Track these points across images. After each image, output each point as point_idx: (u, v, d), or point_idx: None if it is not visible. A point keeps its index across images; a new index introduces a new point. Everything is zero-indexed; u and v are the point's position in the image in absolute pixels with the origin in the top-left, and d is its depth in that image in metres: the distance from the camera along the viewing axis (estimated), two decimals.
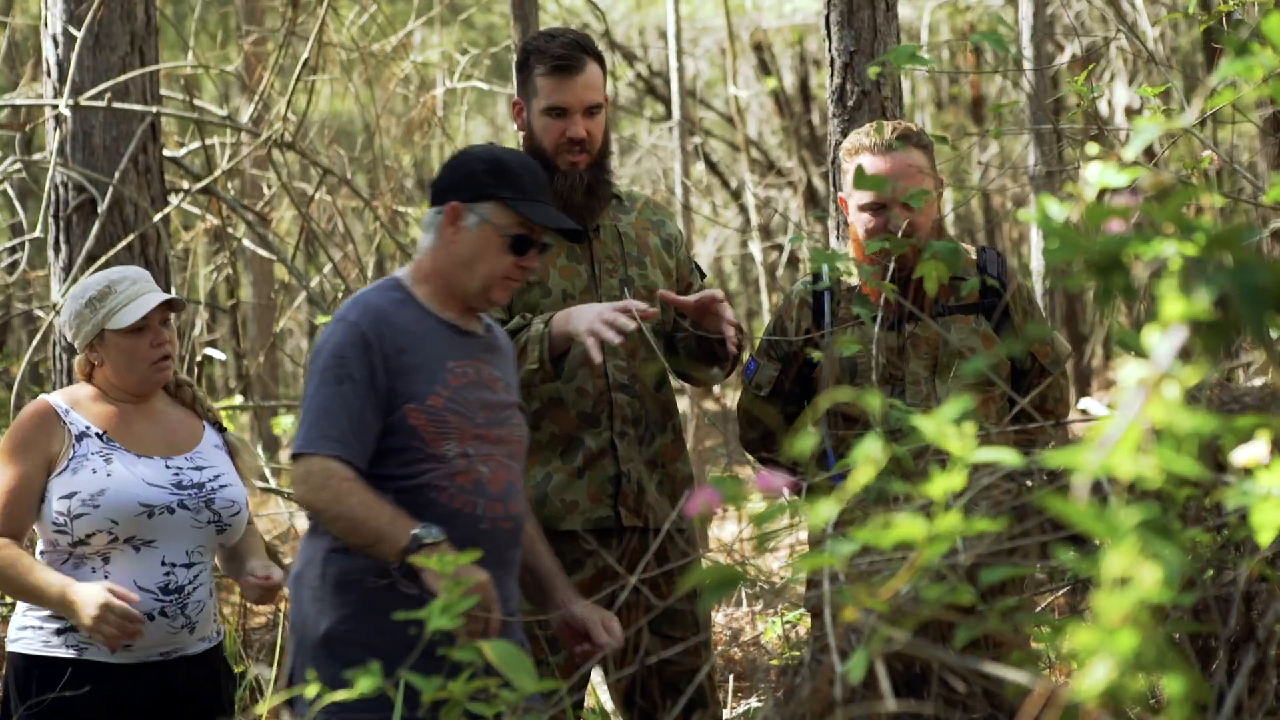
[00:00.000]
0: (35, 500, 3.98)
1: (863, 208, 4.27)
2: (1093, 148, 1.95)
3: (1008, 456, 1.62)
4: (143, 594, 3.91)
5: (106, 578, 3.92)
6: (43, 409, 4.06)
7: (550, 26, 4.91)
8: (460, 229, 3.63)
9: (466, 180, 3.65)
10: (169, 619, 3.98)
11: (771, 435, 4.42)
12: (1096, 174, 1.69)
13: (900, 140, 4.24)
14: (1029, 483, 2.46)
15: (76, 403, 4.09)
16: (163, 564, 4.00)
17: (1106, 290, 1.56)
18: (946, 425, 1.57)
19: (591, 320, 4.00)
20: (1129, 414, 1.36)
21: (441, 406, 3.58)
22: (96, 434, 4.04)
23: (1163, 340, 1.46)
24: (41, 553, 4.04)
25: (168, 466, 4.07)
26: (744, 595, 7.69)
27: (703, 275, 4.65)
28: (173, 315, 4.16)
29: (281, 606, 6.55)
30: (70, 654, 3.95)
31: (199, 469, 4.13)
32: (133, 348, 4.07)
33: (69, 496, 3.94)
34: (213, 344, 9.30)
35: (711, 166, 16.84)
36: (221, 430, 4.31)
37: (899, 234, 4.11)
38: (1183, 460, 1.35)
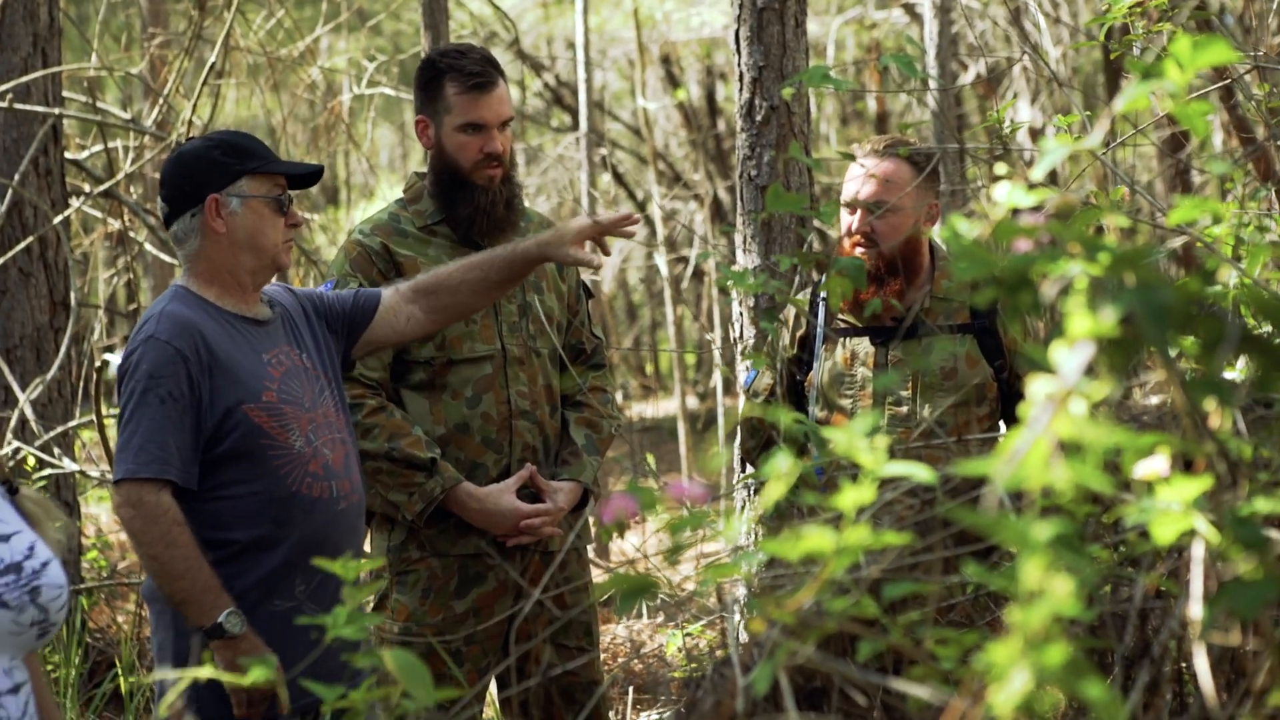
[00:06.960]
0: None
1: (844, 203, 4.30)
2: (1000, 167, 1.98)
3: (917, 472, 1.64)
4: None
5: None
6: None
7: (454, 43, 4.86)
8: (226, 217, 3.65)
9: (210, 171, 3.66)
10: None
11: (770, 445, 4.42)
12: (1005, 193, 1.72)
13: (887, 150, 4.26)
14: (933, 497, 2.48)
15: None
16: None
17: (1014, 307, 1.59)
18: (857, 438, 1.58)
19: (511, 530, 4.19)
20: (1037, 428, 1.39)
21: (276, 400, 3.62)
22: None
23: (1070, 356, 1.48)
24: None
25: None
26: (645, 607, 7.69)
27: (590, 295, 4.65)
28: None
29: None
30: None
31: (3, 539, 2.81)
32: None
33: None
34: (112, 349, 9.16)
35: (618, 178, 16.85)
36: (14, 492, 2.94)
37: (862, 237, 4.20)
38: (1092, 473, 1.38)
